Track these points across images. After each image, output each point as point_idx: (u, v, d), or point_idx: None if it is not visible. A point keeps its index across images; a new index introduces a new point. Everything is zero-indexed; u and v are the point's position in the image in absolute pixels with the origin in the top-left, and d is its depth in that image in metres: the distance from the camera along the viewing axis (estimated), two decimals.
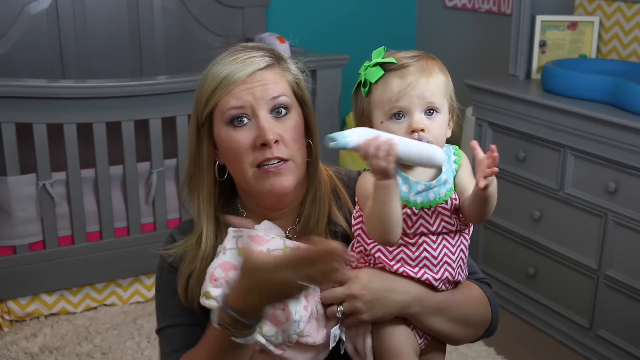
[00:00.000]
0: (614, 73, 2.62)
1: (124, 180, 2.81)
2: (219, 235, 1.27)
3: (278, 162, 1.20)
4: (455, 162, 1.23)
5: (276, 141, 1.19)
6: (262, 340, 1.14)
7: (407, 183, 1.18)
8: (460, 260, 1.24)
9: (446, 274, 1.21)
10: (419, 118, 1.17)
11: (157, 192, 2.85)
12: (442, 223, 1.19)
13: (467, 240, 1.25)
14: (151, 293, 2.93)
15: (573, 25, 2.92)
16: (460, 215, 1.21)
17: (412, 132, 1.16)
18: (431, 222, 1.19)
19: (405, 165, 1.18)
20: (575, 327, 2.62)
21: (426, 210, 1.18)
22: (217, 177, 1.27)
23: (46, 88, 2.59)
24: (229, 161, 1.24)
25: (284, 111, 1.22)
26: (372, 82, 1.20)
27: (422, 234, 1.19)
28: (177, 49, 3.46)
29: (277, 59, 1.25)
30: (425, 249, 1.19)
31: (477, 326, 1.32)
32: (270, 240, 1.17)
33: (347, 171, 1.40)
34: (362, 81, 1.22)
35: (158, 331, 1.32)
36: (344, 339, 1.21)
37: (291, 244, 1.18)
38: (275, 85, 1.22)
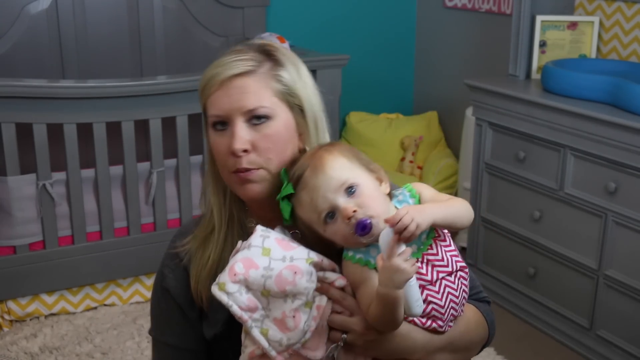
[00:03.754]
0: (614, 73, 2.62)
1: (124, 180, 2.81)
2: (232, 225, 1.29)
3: (247, 170, 1.20)
4: (416, 203, 1.19)
5: (245, 150, 1.18)
6: (265, 343, 1.14)
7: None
8: (463, 299, 1.21)
9: (451, 317, 1.20)
10: (344, 204, 1.13)
11: (157, 192, 2.85)
12: (436, 269, 1.16)
13: (466, 274, 1.21)
14: (151, 294, 2.93)
15: (573, 25, 2.92)
16: (453, 252, 1.18)
17: (347, 219, 1.12)
18: (424, 272, 1.15)
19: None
20: (575, 327, 2.62)
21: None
22: None
23: (46, 88, 2.59)
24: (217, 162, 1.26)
25: (263, 120, 1.20)
26: (288, 217, 1.18)
27: (422, 287, 1.15)
28: (177, 49, 3.46)
29: (264, 63, 1.22)
30: (430, 302, 1.16)
31: (477, 347, 1.32)
32: (295, 248, 1.16)
33: None
34: (286, 217, 1.19)
35: (151, 335, 1.38)
36: (336, 357, 1.19)
37: (315, 255, 1.16)
38: (253, 95, 1.19)
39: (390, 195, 1.21)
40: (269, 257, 1.14)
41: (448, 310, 1.17)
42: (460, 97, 3.67)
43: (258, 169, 1.20)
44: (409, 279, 1.07)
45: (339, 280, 1.17)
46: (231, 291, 1.13)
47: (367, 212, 1.12)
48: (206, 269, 1.27)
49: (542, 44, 2.91)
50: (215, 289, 1.14)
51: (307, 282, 1.13)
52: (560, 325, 2.69)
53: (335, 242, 1.17)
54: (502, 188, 2.87)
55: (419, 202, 1.19)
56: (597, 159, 2.44)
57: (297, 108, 1.24)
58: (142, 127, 2.85)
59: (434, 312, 1.16)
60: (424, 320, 1.17)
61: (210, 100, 1.22)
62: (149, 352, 2.58)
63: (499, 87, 2.79)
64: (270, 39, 3.18)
